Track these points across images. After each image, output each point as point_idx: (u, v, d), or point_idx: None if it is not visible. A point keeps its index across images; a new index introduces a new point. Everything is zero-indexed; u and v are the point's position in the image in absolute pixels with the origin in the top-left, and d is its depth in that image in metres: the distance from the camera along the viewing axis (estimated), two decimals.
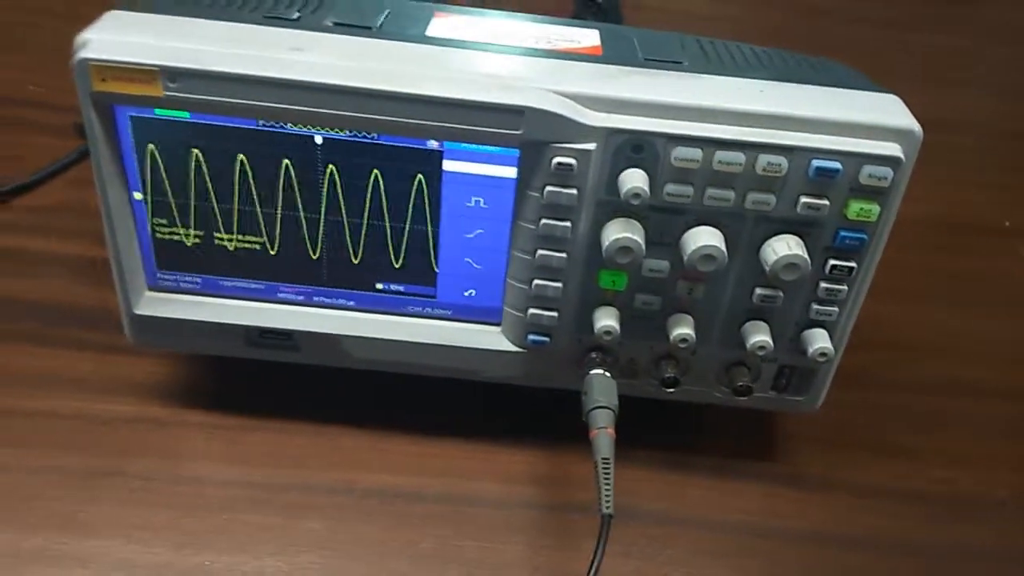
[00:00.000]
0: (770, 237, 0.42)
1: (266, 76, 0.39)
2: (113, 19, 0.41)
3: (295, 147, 0.42)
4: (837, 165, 0.39)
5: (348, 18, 0.43)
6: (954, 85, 0.91)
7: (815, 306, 0.44)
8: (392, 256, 0.45)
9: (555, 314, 0.45)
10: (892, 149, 0.40)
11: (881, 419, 0.55)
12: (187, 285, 0.46)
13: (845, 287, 0.43)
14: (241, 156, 0.42)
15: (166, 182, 0.43)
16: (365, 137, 0.42)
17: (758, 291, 0.43)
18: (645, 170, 0.40)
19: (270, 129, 0.41)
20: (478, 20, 0.47)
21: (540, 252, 0.43)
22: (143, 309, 0.46)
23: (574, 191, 0.41)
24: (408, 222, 0.44)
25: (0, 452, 0.47)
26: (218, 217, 0.44)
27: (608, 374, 0.45)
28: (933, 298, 0.65)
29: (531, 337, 0.45)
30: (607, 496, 0.40)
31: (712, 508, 0.49)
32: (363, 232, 0.44)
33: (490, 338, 0.47)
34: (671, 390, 0.47)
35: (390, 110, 0.39)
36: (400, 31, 0.43)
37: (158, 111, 0.41)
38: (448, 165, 0.42)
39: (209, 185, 0.43)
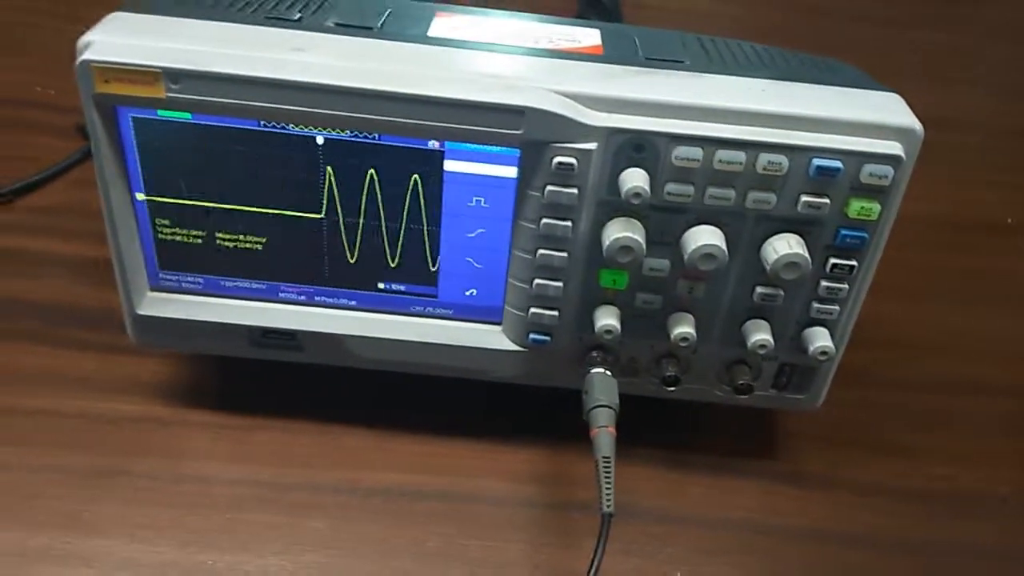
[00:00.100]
0: (771, 236, 0.42)
1: (267, 77, 0.39)
2: (116, 21, 0.41)
3: (297, 148, 0.42)
4: (838, 164, 0.40)
5: (349, 18, 0.44)
6: (956, 84, 0.91)
7: (816, 305, 0.44)
8: (393, 256, 0.45)
9: (556, 313, 0.45)
10: (893, 148, 0.40)
11: (882, 417, 0.55)
12: (189, 285, 0.46)
13: (846, 286, 0.43)
14: (243, 157, 0.42)
15: (168, 183, 0.43)
16: (366, 137, 0.42)
17: (759, 290, 0.44)
18: (646, 169, 0.40)
19: (272, 130, 0.42)
20: (479, 20, 0.47)
21: (541, 251, 0.43)
22: (145, 309, 0.46)
23: (575, 191, 0.41)
24: (409, 222, 0.44)
25: (4, 451, 0.47)
26: (220, 217, 0.44)
27: (609, 373, 0.45)
28: (935, 296, 0.65)
29: (532, 336, 0.46)
30: (608, 495, 0.40)
31: (713, 506, 0.49)
32: (364, 232, 0.44)
33: (491, 337, 0.47)
34: (672, 389, 0.47)
35: (391, 110, 0.40)
36: (401, 31, 0.44)
37: (160, 112, 0.41)
38: (449, 165, 0.42)
39: (211, 186, 0.43)
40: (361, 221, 0.44)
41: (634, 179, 0.40)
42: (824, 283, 0.43)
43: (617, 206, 0.41)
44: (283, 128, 0.42)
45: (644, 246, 0.41)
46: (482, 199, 0.43)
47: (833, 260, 0.42)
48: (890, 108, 0.41)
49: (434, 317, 0.47)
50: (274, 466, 0.48)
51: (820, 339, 0.44)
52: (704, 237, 0.41)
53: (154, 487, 0.47)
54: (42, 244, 0.60)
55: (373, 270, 0.46)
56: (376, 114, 0.40)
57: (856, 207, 0.41)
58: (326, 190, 0.43)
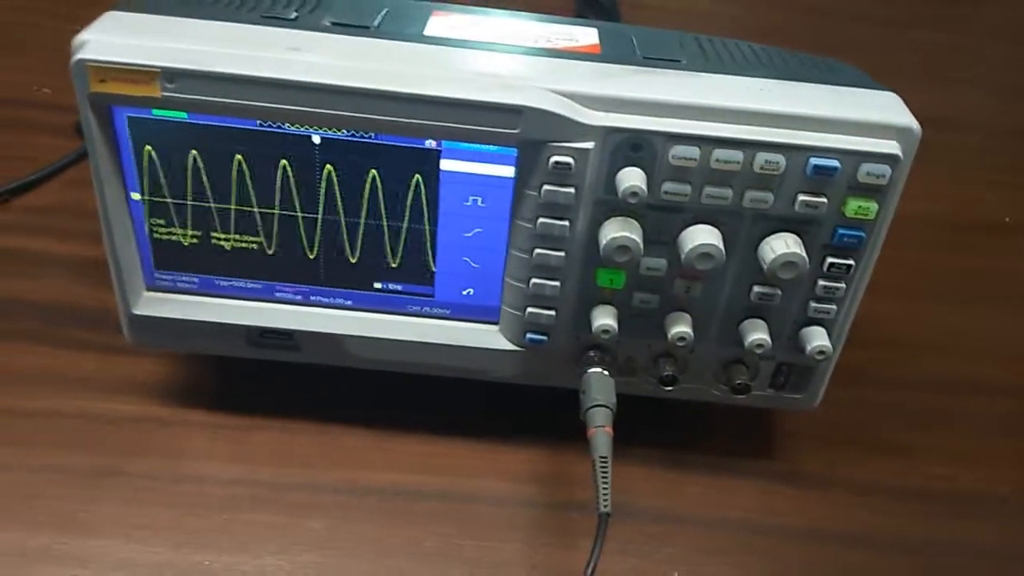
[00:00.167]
0: (768, 235, 0.42)
1: (264, 76, 0.39)
2: (111, 20, 0.41)
3: (293, 147, 0.42)
4: (835, 163, 0.39)
5: (346, 18, 0.43)
6: (955, 84, 0.91)
7: (813, 304, 0.44)
8: (390, 255, 0.45)
9: (553, 313, 0.45)
10: (890, 147, 0.40)
11: (880, 416, 0.55)
12: (185, 285, 0.46)
13: (843, 285, 0.43)
14: (239, 156, 0.42)
15: (164, 182, 0.43)
16: (363, 137, 0.42)
17: (756, 289, 0.43)
18: (643, 169, 0.40)
19: (268, 129, 0.42)
20: (476, 19, 0.47)
21: (538, 251, 0.43)
22: (141, 309, 0.46)
23: (572, 190, 0.41)
24: (406, 221, 0.44)
25: (2, 451, 0.47)
26: (215, 217, 0.44)
27: (606, 372, 0.45)
28: (934, 296, 0.65)
29: (529, 336, 0.46)
30: (605, 495, 0.40)
31: (710, 506, 0.49)
32: (361, 232, 0.44)
33: (488, 337, 0.47)
34: (669, 388, 0.47)
35: (388, 110, 0.40)
36: (398, 30, 0.43)
37: (156, 112, 0.41)
38: (446, 164, 0.42)
39: (207, 185, 0.43)
40: (358, 220, 0.44)
41: (631, 178, 0.40)
42: (821, 282, 0.43)
43: (614, 205, 0.41)
44: (279, 127, 0.42)
45: (641, 245, 0.41)
46: (479, 199, 0.43)
47: (830, 259, 0.42)
48: (888, 108, 0.41)
49: (431, 317, 0.47)
50: (272, 466, 0.48)
51: (817, 338, 0.44)
52: (701, 236, 0.41)
53: (152, 487, 0.47)
54: (39, 244, 0.60)
55: (370, 270, 0.46)
56: (372, 113, 0.40)
57: (853, 206, 0.40)
58: (322, 190, 0.43)
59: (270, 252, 0.45)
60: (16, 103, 0.72)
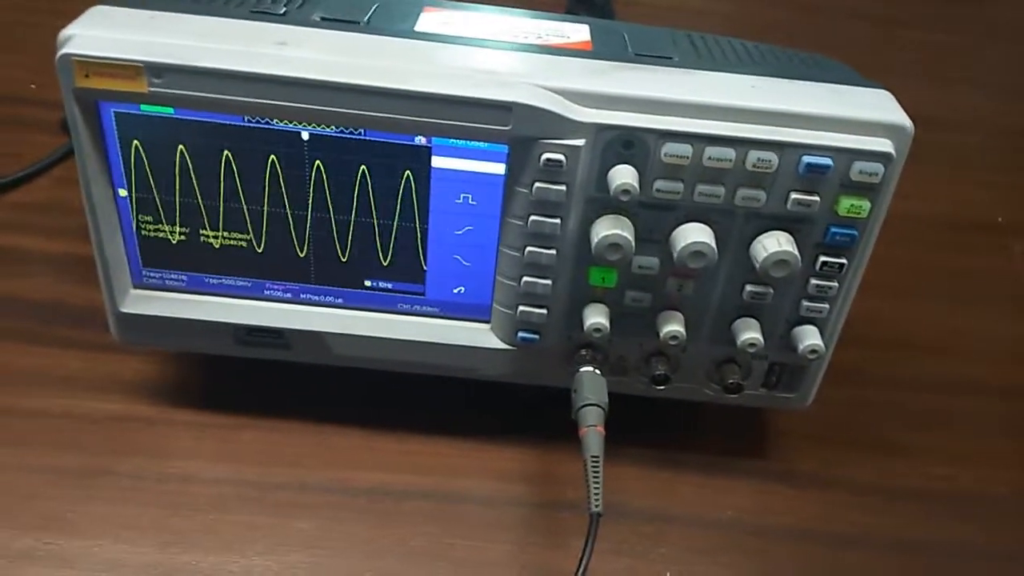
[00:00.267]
0: (760, 233, 0.41)
1: (252, 72, 0.39)
2: (97, 14, 0.41)
3: (281, 143, 0.42)
4: (828, 161, 0.39)
5: (335, 13, 0.43)
6: (953, 83, 0.91)
7: (805, 303, 0.43)
8: (380, 253, 0.45)
9: (544, 311, 0.44)
10: (883, 145, 0.39)
11: (876, 416, 0.55)
12: (172, 283, 0.46)
13: (836, 284, 0.43)
14: (227, 152, 0.42)
15: (151, 179, 0.43)
16: (352, 133, 0.41)
17: (748, 288, 0.43)
18: (635, 166, 0.40)
19: (256, 125, 0.41)
20: (466, 15, 0.46)
21: (529, 249, 0.43)
22: (128, 307, 0.45)
23: (563, 187, 0.41)
24: (396, 219, 0.44)
25: None
26: (203, 214, 0.44)
27: (598, 371, 0.45)
28: (929, 295, 0.64)
29: (521, 334, 0.45)
30: (596, 494, 0.40)
31: (704, 505, 0.49)
32: (351, 229, 0.44)
33: (479, 335, 0.46)
34: (661, 387, 0.46)
35: (378, 106, 0.39)
36: (388, 26, 0.43)
37: (143, 107, 0.41)
38: (436, 161, 0.42)
39: (194, 182, 0.43)
40: (348, 218, 0.44)
41: (623, 176, 0.39)
42: (814, 281, 0.43)
43: (606, 203, 0.41)
44: (268, 123, 0.41)
45: (633, 244, 0.41)
46: (470, 196, 0.43)
47: (823, 258, 0.42)
48: (880, 105, 0.41)
49: (422, 315, 0.47)
50: (259, 465, 0.48)
51: (810, 337, 0.44)
52: (693, 235, 0.41)
53: (139, 487, 0.46)
54: (26, 241, 0.60)
55: (360, 268, 0.45)
56: (362, 109, 0.39)
57: (846, 205, 0.40)
58: (312, 186, 0.43)
59: (259, 249, 0.45)
60: (13, 100, 0.72)
